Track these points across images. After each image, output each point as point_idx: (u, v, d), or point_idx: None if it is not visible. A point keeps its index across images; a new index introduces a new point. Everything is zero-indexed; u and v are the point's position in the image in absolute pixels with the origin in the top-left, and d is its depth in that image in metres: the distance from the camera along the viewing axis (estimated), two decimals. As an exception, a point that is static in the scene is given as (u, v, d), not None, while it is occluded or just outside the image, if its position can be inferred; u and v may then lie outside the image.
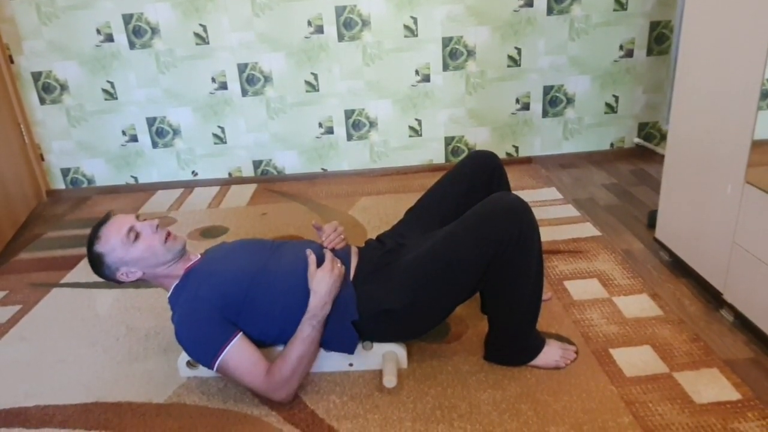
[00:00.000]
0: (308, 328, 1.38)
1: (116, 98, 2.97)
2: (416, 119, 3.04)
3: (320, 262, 1.47)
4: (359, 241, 1.78)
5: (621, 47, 2.92)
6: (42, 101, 2.97)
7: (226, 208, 2.81)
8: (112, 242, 1.40)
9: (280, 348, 1.46)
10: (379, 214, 2.57)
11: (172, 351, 1.66)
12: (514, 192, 1.45)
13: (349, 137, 3.08)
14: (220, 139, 3.07)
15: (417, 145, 3.10)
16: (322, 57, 2.90)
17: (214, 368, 1.37)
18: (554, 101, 3.02)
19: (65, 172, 3.12)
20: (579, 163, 3.07)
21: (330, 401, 1.45)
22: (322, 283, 1.40)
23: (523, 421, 1.34)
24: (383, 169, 3.13)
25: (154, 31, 2.85)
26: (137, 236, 1.41)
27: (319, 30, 2.86)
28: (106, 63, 2.90)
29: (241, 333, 1.38)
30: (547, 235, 2.21)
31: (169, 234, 1.46)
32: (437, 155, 3.13)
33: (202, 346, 1.39)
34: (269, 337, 1.45)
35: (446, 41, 2.89)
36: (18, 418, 1.48)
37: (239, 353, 1.36)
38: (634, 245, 2.14)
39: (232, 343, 1.36)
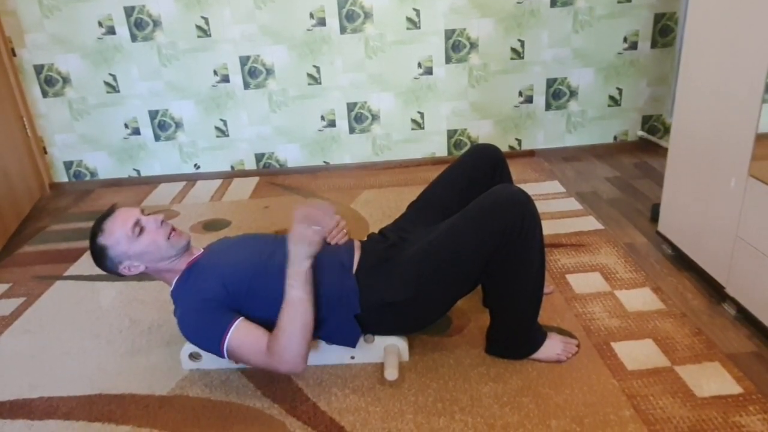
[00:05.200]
0: (289, 290, 1.34)
1: (118, 91, 2.97)
2: (419, 112, 3.04)
3: (319, 259, 1.48)
4: (361, 234, 1.78)
5: (625, 39, 2.90)
6: (44, 94, 2.97)
7: (228, 201, 2.81)
8: (117, 235, 1.40)
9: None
10: (382, 208, 2.57)
11: (174, 343, 1.67)
12: (517, 185, 1.45)
13: (352, 130, 3.07)
14: (222, 132, 3.07)
15: (419, 138, 3.09)
16: (324, 49, 2.90)
17: (224, 354, 1.37)
18: (557, 94, 3.01)
19: (68, 165, 3.13)
20: (582, 156, 3.06)
21: (332, 394, 1.45)
22: (298, 243, 1.34)
23: (524, 414, 1.34)
24: (386, 162, 3.12)
25: (156, 23, 2.84)
26: (141, 230, 1.41)
27: (321, 22, 2.85)
28: (108, 56, 2.90)
29: (242, 317, 1.38)
30: (549, 228, 2.21)
31: (173, 229, 1.46)
32: (440, 148, 3.12)
33: (206, 335, 1.39)
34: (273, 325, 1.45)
35: (449, 33, 2.88)
36: (22, 409, 1.49)
37: (241, 334, 1.35)
38: (637, 239, 2.14)
39: (233, 327, 1.35)
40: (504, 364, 1.51)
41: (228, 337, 1.35)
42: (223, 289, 1.40)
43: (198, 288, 1.42)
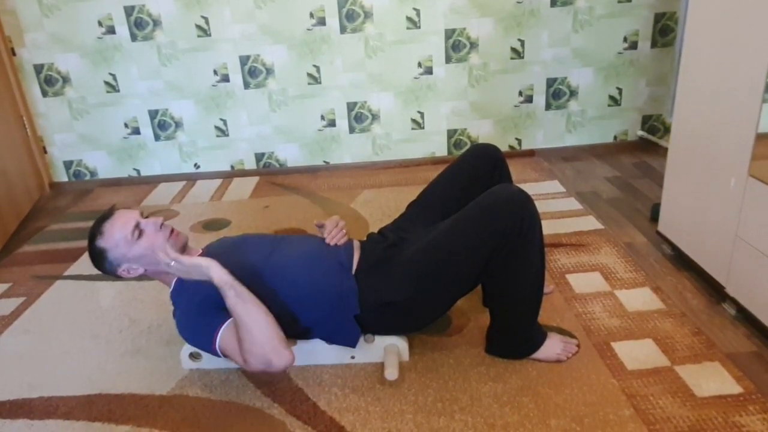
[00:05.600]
0: (225, 302, 1.33)
1: (118, 91, 2.96)
2: (419, 112, 3.04)
3: (319, 259, 1.48)
4: (361, 234, 1.78)
5: (625, 39, 2.90)
6: (44, 94, 2.97)
7: (228, 200, 2.81)
8: (116, 238, 1.40)
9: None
10: (381, 207, 2.57)
11: (174, 343, 1.66)
12: (517, 185, 1.45)
13: (351, 130, 3.07)
14: (222, 131, 3.07)
15: (419, 138, 3.09)
16: (324, 49, 2.89)
17: (219, 353, 1.37)
18: (557, 94, 3.01)
19: (68, 164, 3.13)
20: (582, 155, 3.06)
21: (332, 393, 1.45)
22: (189, 274, 1.37)
23: (524, 414, 1.34)
24: (385, 161, 3.12)
25: (156, 23, 2.84)
26: (141, 234, 1.41)
27: (321, 22, 2.84)
28: (108, 55, 2.89)
29: (232, 318, 1.37)
30: (549, 228, 2.20)
31: (172, 231, 1.45)
32: (440, 148, 3.12)
33: (201, 337, 1.40)
34: None
35: (449, 33, 2.88)
36: (22, 409, 1.49)
37: (229, 336, 1.35)
38: (637, 238, 2.14)
39: (223, 327, 1.35)
40: (504, 364, 1.51)
41: (218, 338, 1.35)
42: (221, 291, 1.40)
43: (196, 289, 1.42)
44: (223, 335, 1.35)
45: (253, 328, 1.31)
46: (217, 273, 1.34)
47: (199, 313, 1.40)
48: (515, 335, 1.50)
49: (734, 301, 1.63)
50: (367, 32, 2.87)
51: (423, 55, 2.92)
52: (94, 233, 1.42)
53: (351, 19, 2.84)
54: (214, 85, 2.97)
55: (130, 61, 2.91)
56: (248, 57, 2.91)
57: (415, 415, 1.36)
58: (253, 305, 1.33)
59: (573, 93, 3.01)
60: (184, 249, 1.48)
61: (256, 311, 1.33)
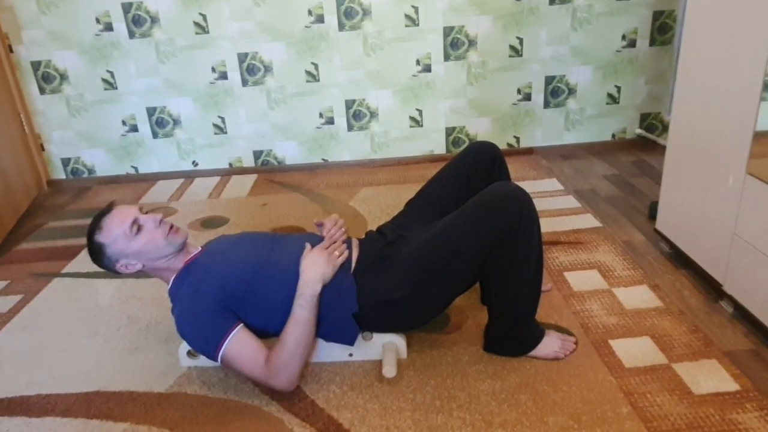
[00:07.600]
0: (298, 309, 1.37)
1: (116, 88, 2.96)
2: (417, 109, 3.03)
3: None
4: (360, 232, 1.78)
5: (623, 37, 2.90)
6: (42, 91, 2.96)
7: (226, 198, 2.81)
8: (114, 233, 1.39)
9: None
10: (380, 205, 2.57)
11: (172, 341, 1.67)
12: (515, 183, 1.45)
13: (350, 128, 3.07)
14: (220, 129, 3.06)
15: (418, 136, 3.09)
16: (322, 47, 2.89)
17: (219, 360, 1.38)
18: (556, 92, 3.01)
19: (66, 162, 3.12)
20: (580, 153, 3.06)
21: (330, 391, 1.45)
22: (314, 265, 1.41)
23: (522, 411, 1.34)
24: (384, 159, 3.12)
25: (154, 20, 2.83)
26: (140, 229, 1.40)
27: (320, 19, 2.84)
28: (106, 52, 2.89)
29: (241, 324, 1.38)
30: (547, 226, 2.21)
31: (171, 227, 1.45)
32: (438, 146, 3.12)
33: (204, 339, 1.39)
34: (272, 327, 1.45)
35: (447, 31, 2.88)
36: (20, 406, 1.49)
37: (239, 344, 1.36)
38: (635, 236, 2.14)
39: (232, 334, 1.36)
40: (502, 362, 1.51)
41: (225, 344, 1.35)
42: (221, 290, 1.40)
43: (196, 288, 1.42)
44: (232, 343, 1.35)
45: (302, 351, 1.37)
46: (318, 291, 1.40)
47: (202, 314, 1.39)
48: (513, 333, 1.51)
49: (732, 299, 1.64)
50: (365, 30, 2.87)
51: (421, 52, 2.91)
52: (93, 228, 1.41)
53: (349, 16, 2.84)
54: (212, 83, 2.96)
55: (128, 58, 2.90)
56: (246, 54, 2.90)
57: (414, 412, 1.37)
58: (313, 331, 1.39)
59: (571, 91, 3.01)
60: (183, 246, 1.48)
61: (312, 339, 1.40)
